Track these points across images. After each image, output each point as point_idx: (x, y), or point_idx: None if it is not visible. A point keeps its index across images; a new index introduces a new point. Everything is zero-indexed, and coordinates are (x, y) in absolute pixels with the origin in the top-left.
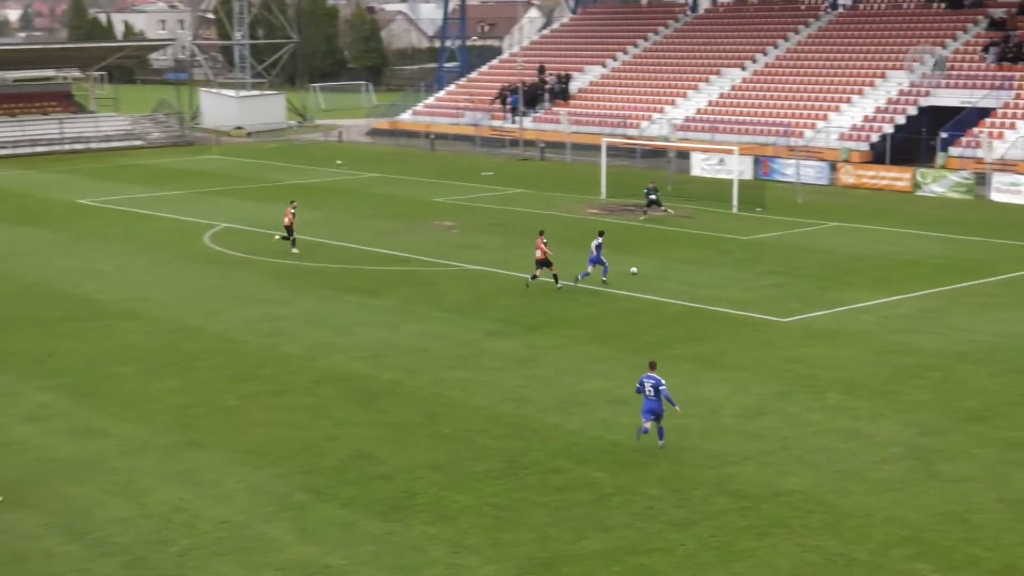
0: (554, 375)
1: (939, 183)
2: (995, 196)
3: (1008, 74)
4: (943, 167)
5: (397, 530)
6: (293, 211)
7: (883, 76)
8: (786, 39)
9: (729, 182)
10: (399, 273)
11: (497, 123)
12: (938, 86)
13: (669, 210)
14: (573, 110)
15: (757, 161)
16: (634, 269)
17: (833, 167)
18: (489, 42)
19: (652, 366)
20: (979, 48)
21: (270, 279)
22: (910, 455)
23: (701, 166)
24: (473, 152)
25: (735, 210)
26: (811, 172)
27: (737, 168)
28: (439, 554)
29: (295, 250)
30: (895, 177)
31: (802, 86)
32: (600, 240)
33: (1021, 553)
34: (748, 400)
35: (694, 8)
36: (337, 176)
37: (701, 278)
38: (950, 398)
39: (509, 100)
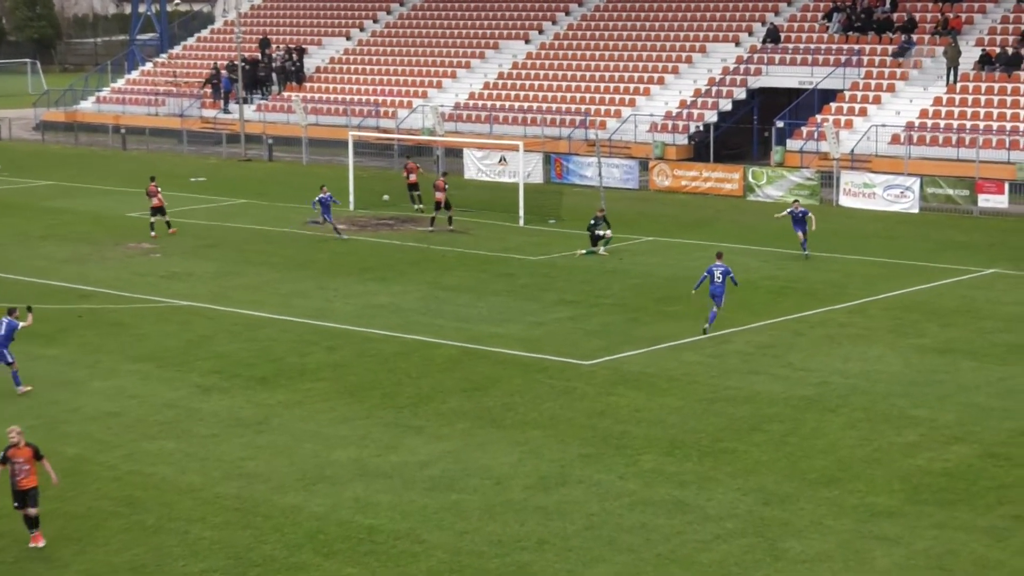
0: (290, 442)
1: (775, 185)
2: (844, 201)
3: (856, 47)
4: (780, 165)
5: None
6: None
7: (703, 51)
8: (581, 3)
9: (513, 187)
10: (81, 313)
11: (210, 113)
12: (771, 62)
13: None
14: (309, 95)
15: (548, 160)
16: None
17: (644, 166)
18: (197, 6)
19: (719, 255)
20: (819, 15)
21: None
22: (750, 530)
23: (477, 166)
24: (179, 151)
25: (521, 223)
26: (617, 173)
27: (523, 169)
28: None
29: None
30: (721, 178)
31: (596, 62)
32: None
33: None
34: (543, 467)
35: None
36: None
37: (478, 311)
38: (796, 456)
39: (223, 83)
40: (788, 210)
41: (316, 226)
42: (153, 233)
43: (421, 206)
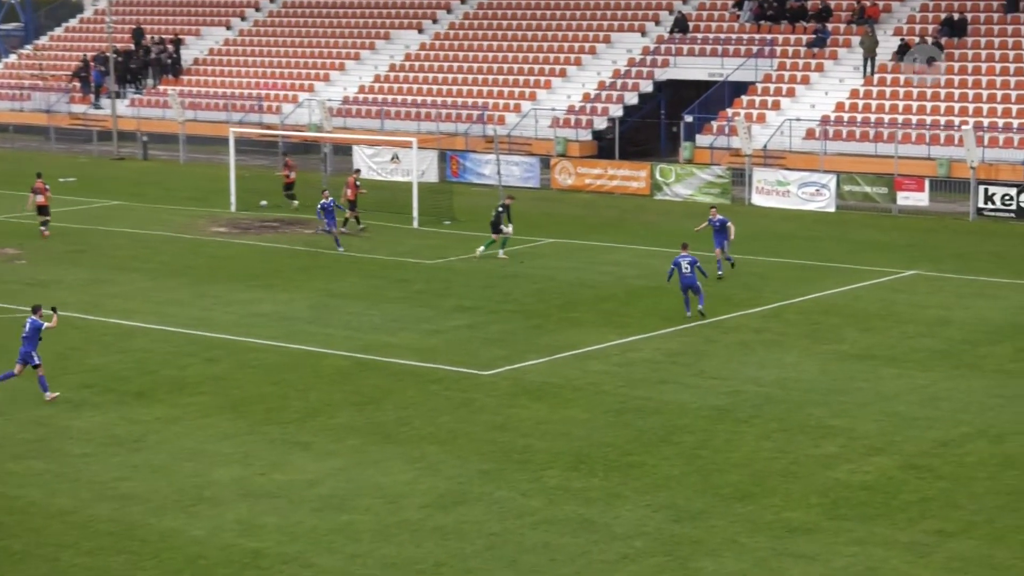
0: (168, 461)
1: (684, 183)
2: (757, 199)
3: (768, 37)
4: (689, 162)
5: None
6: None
7: (607, 41)
8: None
9: (407, 186)
10: None
11: (79, 108)
12: (679, 53)
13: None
14: (187, 89)
15: (444, 157)
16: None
17: (546, 164)
18: None
19: (684, 247)
20: (730, 4)
21: None
22: (659, 549)
23: (368, 164)
24: (47, 150)
25: (415, 224)
26: (517, 171)
27: (417, 167)
28: None
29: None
30: (627, 176)
31: (494, 53)
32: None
33: None
34: (440, 484)
35: None
36: None
37: (371, 319)
38: (709, 470)
39: (93, 76)
40: (708, 219)
41: (328, 234)
42: (46, 232)
43: (297, 203)
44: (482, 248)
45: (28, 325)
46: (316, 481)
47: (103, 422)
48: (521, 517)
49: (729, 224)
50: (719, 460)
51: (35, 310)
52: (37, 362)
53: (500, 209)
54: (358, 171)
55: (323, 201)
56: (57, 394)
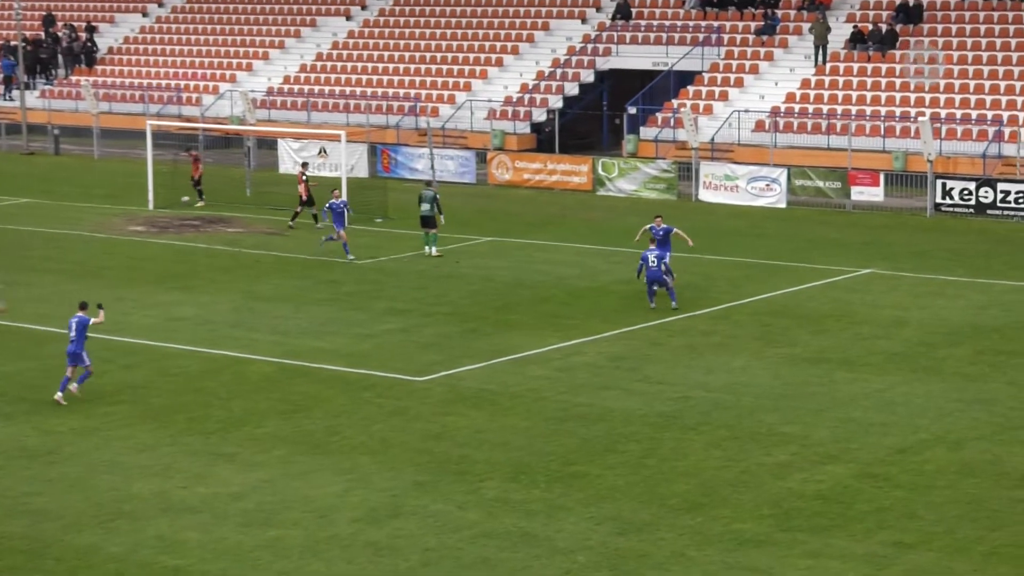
0: (84, 474)
1: (628, 178)
2: (704, 195)
3: (715, 24)
4: (633, 155)
5: None
6: None
7: (546, 28)
8: None
9: (336, 181)
10: None
11: None
12: (622, 41)
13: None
14: (101, 79)
15: (374, 151)
16: (185, 198)
17: (482, 158)
18: None
19: (654, 241)
20: None
21: None
22: (604, 564)
23: (294, 159)
24: None
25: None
26: (451, 166)
27: (346, 162)
28: None
29: None
30: (568, 171)
31: (427, 41)
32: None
33: None
34: (373, 497)
35: None
36: None
37: (298, 322)
38: (656, 480)
39: (1, 66)
40: (650, 227)
41: (332, 243)
42: None
43: (202, 202)
44: (427, 249)
45: (75, 323)
46: (241, 494)
47: (14, 433)
48: (458, 531)
49: (676, 232)
50: (666, 469)
51: (82, 307)
52: (88, 362)
53: (429, 204)
54: (306, 164)
55: (332, 201)
56: (61, 395)
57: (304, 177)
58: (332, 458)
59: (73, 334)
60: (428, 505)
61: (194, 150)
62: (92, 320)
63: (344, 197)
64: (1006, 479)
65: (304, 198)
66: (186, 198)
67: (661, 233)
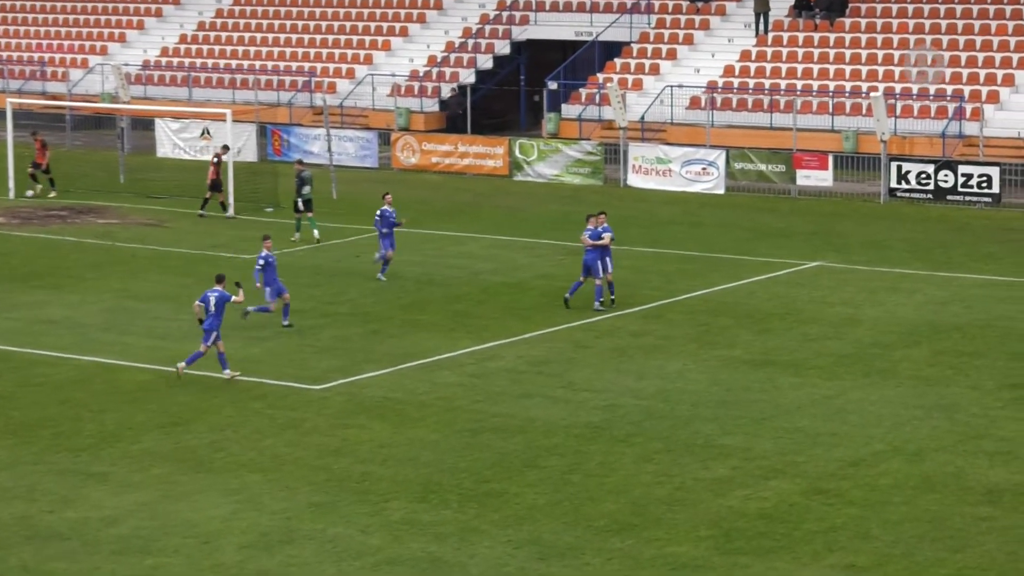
0: None
1: (549, 161)
2: (634, 180)
3: None
4: (553, 136)
5: None
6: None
7: None
8: None
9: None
10: None
11: None
12: (540, 8)
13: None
14: None
15: (264, 132)
16: (30, 192)
17: (385, 140)
18: None
19: (588, 218)
20: None
21: None
22: None
23: (173, 141)
24: None
25: (230, 212)
26: (351, 148)
27: (233, 144)
28: None
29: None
30: (481, 154)
31: (322, 9)
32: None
33: None
34: (264, 520)
35: None
36: None
37: (179, 325)
38: (581, 498)
39: None
40: (587, 229)
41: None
42: None
43: (36, 189)
44: (315, 232)
45: (215, 298)
46: (115, 519)
47: None
48: (360, 557)
49: (605, 236)
50: (592, 487)
51: (219, 279)
52: (219, 339)
53: (299, 180)
54: (226, 148)
55: (385, 208)
56: (239, 372)
57: (216, 160)
58: (218, 477)
59: (212, 308)
60: (326, 529)
61: (40, 134)
62: (233, 298)
63: (393, 208)
64: (970, 494)
65: (210, 182)
66: (31, 192)
67: (600, 232)
